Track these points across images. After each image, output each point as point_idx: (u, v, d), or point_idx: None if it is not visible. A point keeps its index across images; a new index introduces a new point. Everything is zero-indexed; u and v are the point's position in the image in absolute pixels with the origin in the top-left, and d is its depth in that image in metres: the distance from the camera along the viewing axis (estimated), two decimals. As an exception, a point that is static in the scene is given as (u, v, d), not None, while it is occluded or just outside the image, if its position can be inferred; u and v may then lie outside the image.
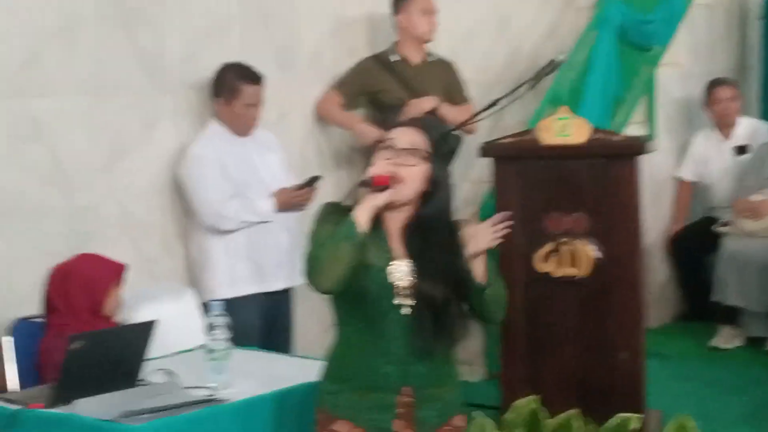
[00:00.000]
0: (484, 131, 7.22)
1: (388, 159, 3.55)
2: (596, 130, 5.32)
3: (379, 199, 3.51)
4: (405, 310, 3.54)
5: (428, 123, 6.15)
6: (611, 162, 5.23)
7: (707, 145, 8.07)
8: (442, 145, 6.06)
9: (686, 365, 7.11)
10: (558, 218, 5.32)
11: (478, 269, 3.61)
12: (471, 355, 6.82)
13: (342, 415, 3.59)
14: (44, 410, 3.90)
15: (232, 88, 5.70)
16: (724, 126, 7.98)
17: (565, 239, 5.33)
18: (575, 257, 5.32)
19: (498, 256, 5.54)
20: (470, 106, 6.69)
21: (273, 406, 4.04)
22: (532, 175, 5.35)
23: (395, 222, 3.60)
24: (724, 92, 7.94)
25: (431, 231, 3.57)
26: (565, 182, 5.31)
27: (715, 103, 7.94)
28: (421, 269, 3.55)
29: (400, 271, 3.55)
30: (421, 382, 3.60)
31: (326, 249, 3.46)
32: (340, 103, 6.49)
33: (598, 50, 7.26)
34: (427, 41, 6.65)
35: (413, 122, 3.78)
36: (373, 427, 3.57)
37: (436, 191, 3.58)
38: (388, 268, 3.55)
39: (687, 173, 8.14)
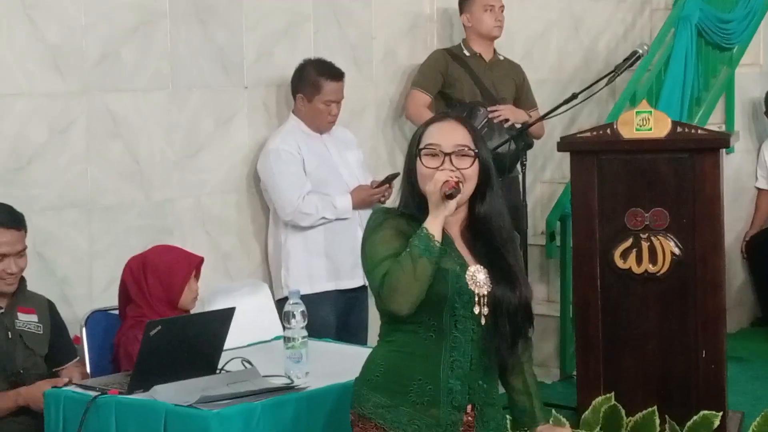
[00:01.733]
0: (560, 130, 7.22)
1: (436, 166, 3.33)
2: (677, 123, 5.24)
3: (450, 207, 3.30)
4: (483, 320, 3.36)
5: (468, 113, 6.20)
6: (694, 156, 5.14)
7: None
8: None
9: (766, 368, 6.97)
10: (638, 214, 5.24)
11: None
12: (545, 357, 6.78)
13: (398, 430, 3.35)
14: (123, 396, 3.90)
15: (314, 83, 5.68)
16: None
17: (644, 235, 5.24)
18: (655, 254, 5.23)
19: (573, 251, 5.51)
20: (537, 111, 6.64)
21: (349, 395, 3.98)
22: (611, 170, 5.26)
23: (453, 225, 3.41)
24: None
25: (495, 232, 3.41)
26: (645, 177, 5.23)
27: None
28: (495, 275, 3.39)
29: (479, 279, 3.37)
30: (482, 400, 3.43)
31: (404, 268, 3.24)
32: (427, 103, 6.44)
33: (677, 49, 7.17)
34: (494, 38, 6.61)
35: (449, 116, 3.51)
36: None
37: (488, 187, 3.41)
38: (467, 274, 3.36)
39: (762, 182, 8.02)
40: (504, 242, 3.43)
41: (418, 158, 3.37)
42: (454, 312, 3.34)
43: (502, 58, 6.68)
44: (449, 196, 3.29)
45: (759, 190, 8.07)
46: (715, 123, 7.53)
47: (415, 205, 3.37)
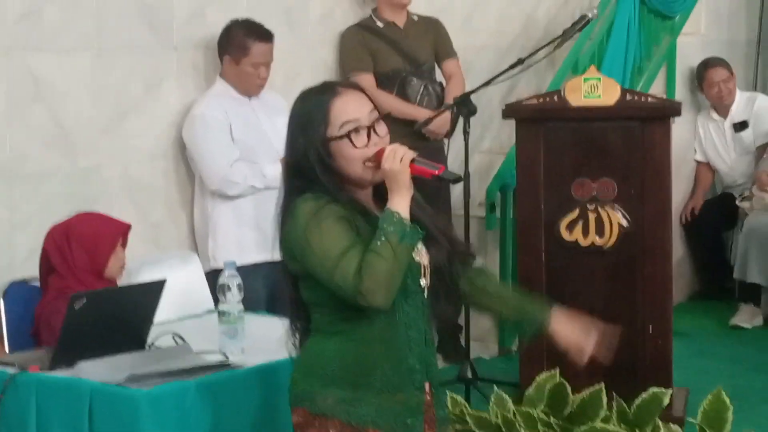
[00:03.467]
0: (498, 99, 7.07)
1: (365, 144, 3.05)
2: (627, 91, 5.11)
3: (411, 188, 3.04)
4: (426, 291, 3.15)
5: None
6: (644, 125, 5.02)
7: (708, 127, 7.90)
8: None
9: (708, 343, 6.91)
10: (584, 184, 5.11)
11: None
12: (483, 331, 6.64)
13: (369, 425, 3.07)
14: (45, 373, 3.70)
15: (241, 45, 5.49)
16: (721, 107, 7.78)
17: (591, 206, 5.10)
18: (602, 225, 5.11)
19: (517, 223, 5.36)
20: (458, 61, 6.52)
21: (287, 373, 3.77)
22: (557, 138, 5.13)
23: (364, 196, 3.14)
24: (717, 74, 7.72)
25: (418, 194, 3.16)
26: (592, 146, 5.11)
27: (711, 86, 7.73)
28: (427, 239, 3.14)
29: (420, 249, 3.13)
30: (436, 376, 3.23)
31: (385, 258, 2.92)
32: (373, 83, 6.25)
33: (620, 16, 7.05)
34: (404, 5, 6.41)
35: (339, 84, 3.17)
36: None
37: None
38: None
39: (698, 154, 7.95)
40: (420, 199, 3.18)
41: (341, 140, 3.05)
42: (405, 288, 3.09)
43: (416, 18, 6.50)
44: (456, 181, 3.10)
45: (698, 162, 7.99)
46: (656, 93, 7.40)
47: (334, 187, 3.06)
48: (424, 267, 3.14)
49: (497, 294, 3.35)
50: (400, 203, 3.01)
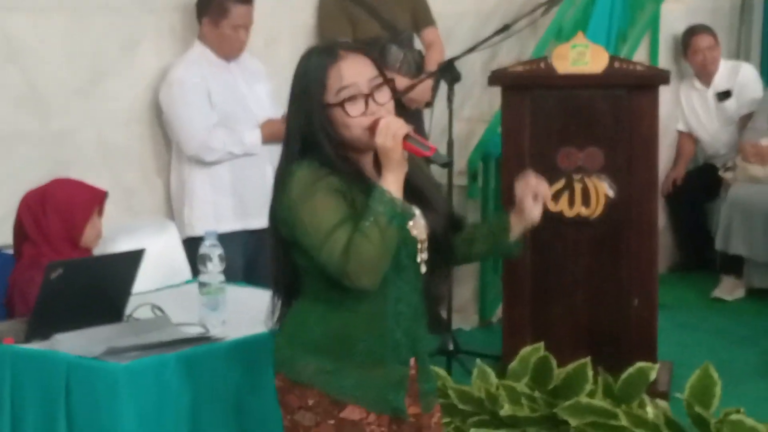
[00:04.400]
0: (480, 66, 6.96)
1: (361, 112, 2.93)
2: (615, 58, 5.00)
3: (405, 164, 2.93)
4: (424, 267, 3.05)
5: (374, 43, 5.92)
6: (632, 93, 4.94)
7: (690, 96, 7.79)
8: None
9: (690, 315, 6.82)
10: (570, 153, 5.02)
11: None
12: (463, 302, 6.56)
13: (349, 398, 2.98)
14: (20, 346, 3.56)
15: (220, 7, 5.35)
16: (705, 75, 7.68)
17: (577, 176, 5.01)
18: (588, 196, 5.02)
19: (501, 192, 5.27)
20: (437, 29, 6.39)
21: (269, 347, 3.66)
22: (544, 106, 5.05)
23: (368, 164, 3.03)
24: (703, 41, 7.62)
25: (416, 166, 3.04)
26: (579, 114, 5.02)
27: (695, 53, 7.63)
28: (425, 212, 3.05)
29: (419, 224, 3.03)
30: (423, 350, 3.13)
31: (371, 240, 2.83)
32: None
33: (603, -18, 6.91)
34: None
35: (342, 46, 3.02)
36: (388, 408, 3.01)
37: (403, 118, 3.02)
38: (410, 221, 2.99)
39: (681, 124, 7.85)
40: (418, 171, 3.06)
41: (336, 107, 2.93)
42: (399, 262, 2.99)
43: None
44: (445, 165, 2.96)
45: (680, 132, 7.89)
46: (639, 60, 7.30)
47: (336, 157, 2.94)
48: (421, 242, 3.04)
49: (470, 238, 3.20)
50: (392, 181, 2.90)
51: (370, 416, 2.99)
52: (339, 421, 2.98)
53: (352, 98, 2.94)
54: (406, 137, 2.90)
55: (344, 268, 2.85)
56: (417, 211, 3.04)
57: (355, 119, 2.94)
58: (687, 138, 7.86)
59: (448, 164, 3.01)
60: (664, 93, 7.09)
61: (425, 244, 3.05)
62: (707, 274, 7.43)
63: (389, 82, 3.01)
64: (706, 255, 7.59)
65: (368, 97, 2.95)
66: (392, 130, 2.90)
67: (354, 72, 2.95)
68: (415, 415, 3.09)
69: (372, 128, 2.93)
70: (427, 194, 3.07)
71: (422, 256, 3.05)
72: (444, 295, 2.96)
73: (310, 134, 2.95)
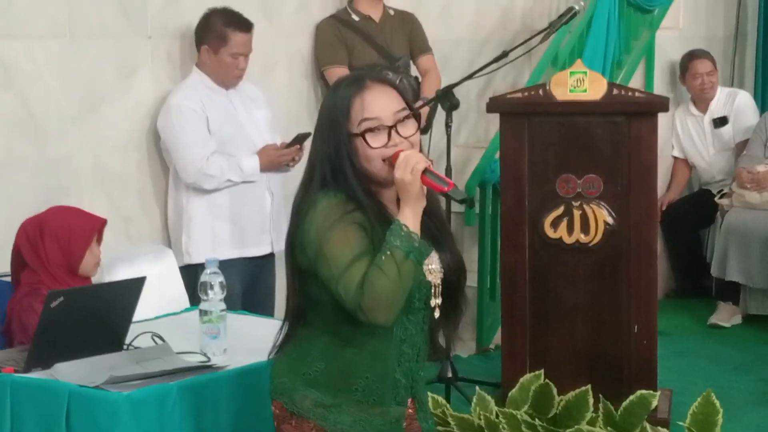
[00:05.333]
0: (476, 93, 6.97)
1: (383, 144, 2.90)
2: (613, 85, 4.98)
3: (423, 199, 2.89)
4: (438, 311, 3.00)
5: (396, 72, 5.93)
6: (631, 120, 4.89)
7: (686, 122, 7.80)
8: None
9: (687, 342, 6.80)
10: (570, 180, 4.99)
11: None
12: (461, 329, 6.44)
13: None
14: (20, 375, 3.53)
15: (220, 35, 5.34)
16: (702, 101, 7.69)
17: (576, 203, 4.98)
18: (587, 223, 4.99)
19: (500, 219, 5.24)
20: (433, 57, 6.40)
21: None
22: (542, 133, 5.00)
23: (390, 202, 2.98)
24: (702, 66, 7.63)
25: (434, 207, 3.02)
26: (578, 141, 4.98)
27: (694, 77, 7.64)
28: (443, 257, 3.01)
29: (434, 268, 2.98)
30: (422, 389, 3.12)
31: (388, 275, 2.79)
32: None
33: (599, 9, 6.91)
34: None
35: (369, 76, 3.00)
36: None
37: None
38: (425, 265, 2.95)
39: (676, 150, 7.86)
40: (436, 212, 3.05)
41: (358, 138, 2.91)
42: (411, 305, 2.95)
43: (392, 12, 6.38)
44: (463, 201, 2.92)
45: (675, 158, 7.90)
46: (634, 87, 7.30)
47: (361, 191, 2.91)
48: (435, 286, 3.00)
49: None
50: (410, 215, 2.87)
51: None
52: None
53: (374, 129, 2.91)
54: (425, 171, 2.87)
55: (359, 302, 2.81)
56: (433, 252, 3.00)
57: (375, 151, 2.91)
58: (682, 164, 7.88)
59: (465, 201, 2.97)
60: (660, 118, 7.13)
61: (439, 289, 3.01)
62: (703, 300, 7.44)
63: (416, 116, 2.98)
64: (702, 281, 7.61)
65: (391, 129, 2.92)
66: (411, 163, 2.86)
67: (378, 103, 2.93)
68: (414, 453, 3.08)
69: (392, 161, 2.90)
70: (443, 237, 3.04)
71: (436, 301, 3.00)
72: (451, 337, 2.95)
73: (334, 164, 2.92)
